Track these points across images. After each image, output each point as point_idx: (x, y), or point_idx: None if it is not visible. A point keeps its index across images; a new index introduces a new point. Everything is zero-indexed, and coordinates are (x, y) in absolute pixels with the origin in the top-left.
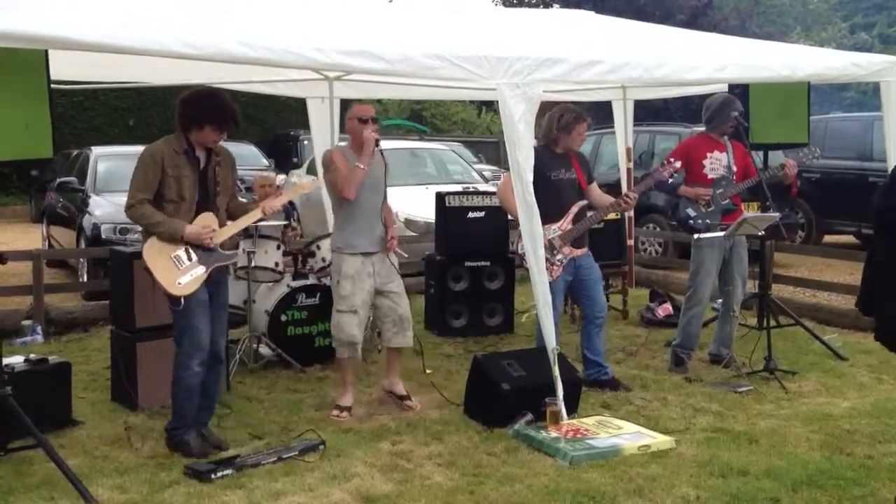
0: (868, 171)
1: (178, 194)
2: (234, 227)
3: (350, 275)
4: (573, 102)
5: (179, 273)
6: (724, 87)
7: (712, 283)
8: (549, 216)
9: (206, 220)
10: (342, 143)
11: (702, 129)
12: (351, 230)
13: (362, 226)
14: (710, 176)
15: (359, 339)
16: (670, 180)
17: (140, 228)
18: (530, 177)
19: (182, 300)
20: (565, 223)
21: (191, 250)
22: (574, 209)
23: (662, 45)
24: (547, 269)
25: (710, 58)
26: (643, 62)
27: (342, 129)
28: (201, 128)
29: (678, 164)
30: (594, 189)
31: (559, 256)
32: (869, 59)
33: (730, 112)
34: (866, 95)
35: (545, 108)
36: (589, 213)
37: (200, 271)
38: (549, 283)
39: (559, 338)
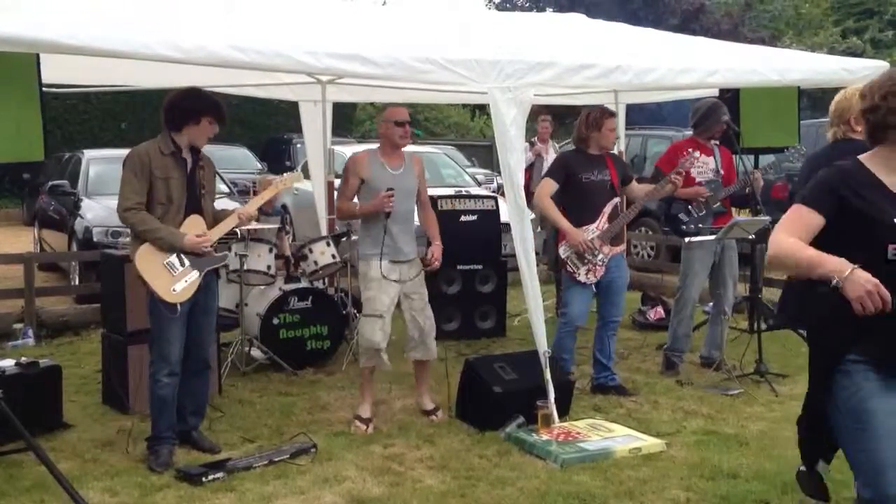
0: None
1: (166, 196)
2: (215, 233)
3: (375, 278)
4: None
5: (174, 279)
6: (715, 92)
7: (701, 286)
8: (584, 218)
9: (196, 223)
10: (372, 147)
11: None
12: (374, 239)
13: (391, 233)
14: (697, 180)
15: (381, 346)
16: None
17: (130, 232)
18: (521, 180)
19: (178, 307)
20: (601, 223)
21: (183, 256)
22: (608, 208)
23: (653, 49)
24: (591, 270)
25: (700, 62)
26: (634, 66)
27: (334, 133)
28: (198, 122)
29: (697, 154)
30: (634, 187)
31: (600, 256)
32: (858, 64)
33: (718, 117)
34: None
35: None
36: (619, 213)
37: (195, 276)
38: (592, 283)
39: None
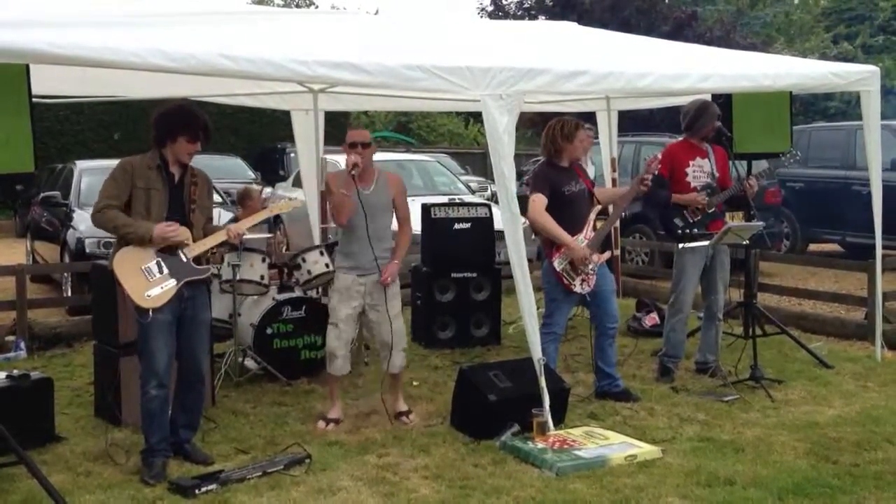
0: (852, 179)
1: (145, 207)
2: (202, 246)
3: (339, 289)
4: (557, 113)
5: (149, 285)
6: (708, 98)
7: (694, 291)
8: (571, 229)
9: (182, 233)
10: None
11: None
12: (345, 252)
13: (353, 249)
14: (692, 185)
15: (337, 352)
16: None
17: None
18: (514, 188)
19: (150, 312)
20: (588, 232)
21: (162, 263)
22: (592, 216)
23: (645, 55)
24: (585, 280)
25: (692, 68)
26: (626, 73)
27: (327, 142)
28: (174, 140)
29: (660, 155)
30: (604, 190)
31: (591, 265)
32: (848, 69)
33: (709, 116)
34: (850, 105)
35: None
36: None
37: (171, 284)
38: (587, 292)
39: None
